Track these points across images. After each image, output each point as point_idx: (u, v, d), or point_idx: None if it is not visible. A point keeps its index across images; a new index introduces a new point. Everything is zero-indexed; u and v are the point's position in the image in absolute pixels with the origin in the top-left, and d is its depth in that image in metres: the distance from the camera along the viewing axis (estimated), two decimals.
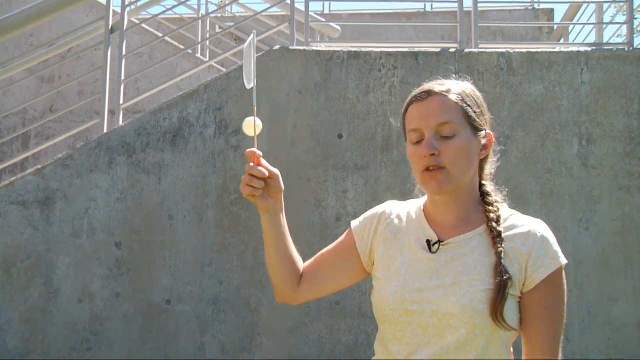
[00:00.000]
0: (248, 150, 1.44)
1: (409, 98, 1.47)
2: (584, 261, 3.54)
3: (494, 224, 1.39)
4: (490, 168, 1.50)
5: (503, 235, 1.38)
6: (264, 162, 1.45)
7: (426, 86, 1.45)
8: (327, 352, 3.51)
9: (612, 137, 3.63)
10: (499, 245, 1.36)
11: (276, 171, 1.47)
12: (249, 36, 1.51)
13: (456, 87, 1.44)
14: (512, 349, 1.41)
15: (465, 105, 1.41)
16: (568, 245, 3.51)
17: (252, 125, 1.47)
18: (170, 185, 3.60)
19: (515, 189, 3.45)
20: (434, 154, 1.37)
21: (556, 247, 1.40)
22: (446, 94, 1.42)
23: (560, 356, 1.37)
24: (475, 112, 1.42)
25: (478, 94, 1.47)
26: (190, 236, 3.57)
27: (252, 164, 1.43)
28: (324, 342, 3.52)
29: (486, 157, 1.48)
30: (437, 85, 1.44)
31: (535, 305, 1.36)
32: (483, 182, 1.48)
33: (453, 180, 1.39)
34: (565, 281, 1.39)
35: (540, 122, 3.64)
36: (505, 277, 1.34)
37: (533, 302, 1.36)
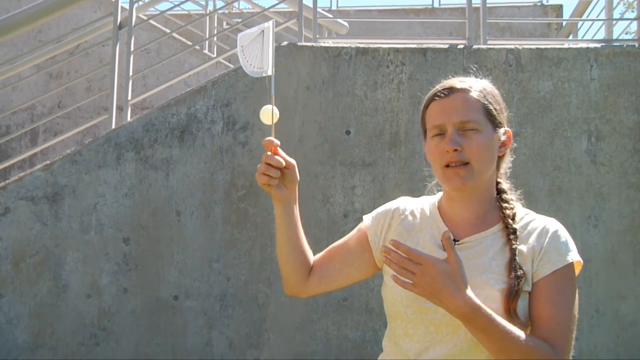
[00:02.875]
0: (266, 139, 1.45)
1: (430, 95, 1.47)
2: (593, 259, 3.53)
3: (510, 221, 1.39)
4: (505, 167, 1.51)
5: (518, 233, 1.38)
6: (280, 151, 1.46)
7: (447, 83, 1.45)
8: (334, 349, 3.52)
9: (621, 134, 3.61)
10: (514, 242, 1.36)
11: (292, 161, 1.48)
12: (264, 23, 1.49)
13: (477, 84, 1.44)
14: None
15: (486, 102, 1.42)
16: (576, 243, 3.42)
17: (269, 113, 1.48)
18: (178, 181, 3.61)
19: (524, 185, 3.41)
20: (456, 150, 1.37)
21: (567, 244, 1.39)
22: (468, 91, 1.42)
23: (570, 347, 1.32)
24: (495, 109, 1.43)
25: (497, 91, 1.47)
26: (198, 232, 3.58)
27: (269, 153, 1.44)
28: (331, 338, 3.52)
29: (503, 155, 1.48)
30: (458, 82, 1.44)
31: (537, 294, 1.35)
32: (499, 180, 1.49)
33: (475, 176, 1.39)
34: (575, 280, 1.38)
35: (549, 118, 3.62)
36: (519, 273, 1.33)
37: (535, 292, 1.35)
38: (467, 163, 1.38)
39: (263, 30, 1.47)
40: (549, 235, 1.39)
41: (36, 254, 3.55)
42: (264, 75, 1.48)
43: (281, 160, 1.44)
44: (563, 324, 1.32)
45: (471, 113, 1.39)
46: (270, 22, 1.48)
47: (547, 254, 1.36)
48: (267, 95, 1.50)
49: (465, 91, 1.42)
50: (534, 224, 1.42)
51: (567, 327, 1.32)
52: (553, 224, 1.42)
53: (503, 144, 1.45)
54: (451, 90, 1.43)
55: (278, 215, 1.51)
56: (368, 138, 3.63)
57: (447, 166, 1.39)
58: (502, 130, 1.44)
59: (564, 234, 1.40)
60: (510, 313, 1.32)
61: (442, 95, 1.43)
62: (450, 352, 1.36)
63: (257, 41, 1.48)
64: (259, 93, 3.62)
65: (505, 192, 1.47)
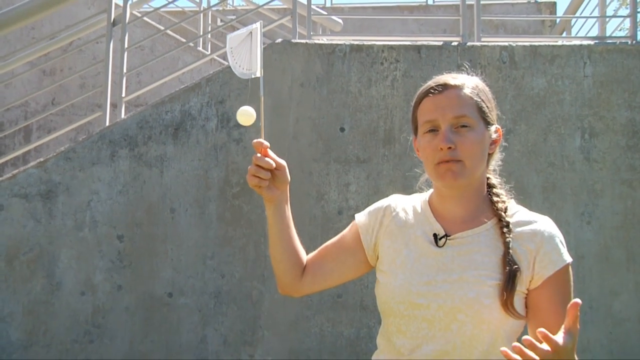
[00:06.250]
0: (255, 140, 1.45)
1: (422, 90, 1.46)
2: (586, 255, 3.54)
3: (503, 214, 1.40)
4: (495, 163, 1.51)
5: (511, 227, 1.39)
6: (270, 153, 1.46)
7: (440, 79, 1.45)
8: (328, 345, 3.52)
9: (614, 131, 3.63)
10: (507, 235, 1.37)
11: (283, 162, 1.48)
12: (252, 25, 1.50)
13: (470, 81, 1.45)
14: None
15: (479, 99, 1.42)
16: (570, 239, 3.51)
17: (245, 114, 1.47)
18: (172, 178, 3.60)
19: (518, 182, 3.44)
20: (450, 147, 1.37)
21: (563, 244, 1.40)
22: (461, 87, 1.42)
23: None
24: (487, 107, 1.43)
25: (488, 89, 1.48)
26: (192, 229, 3.58)
27: (259, 155, 1.44)
28: (326, 335, 3.53)
29: (493, 153, 1.49)
30: (451, 78, 1.45)
31: (544, 302, 1.36)
32: (488, 175, 1.49)
33: (467, 173, 1.39)
34: (572, 278, 1.39)
35: (542, 115, 3.63)
36: (514, 267, 1.34)
37: (541, 299, 1.36)
38: (460, 160, 1.38)
39: (251, 32, 1.47)
40: (545, 235, 1.38)
41: (30, 252, 3.54)
42: (252, 77, 1.48)
43: (271, 161, 1.44)
44: None
45: (465, 108, 1.40)
46: (258, 24, 1.48)
47: (547, 255, 1.36)
48: (259, 94, 1.51)
49: (458, 87, 1.42)
50: (527, 222, 1.41)
51: None
52: (547, 224, 1.41)
53: (494, 142, 1.46)
54: (445, 86, 1.42)
55: (270, 215, 1.51)
56: (362, 135, 3.63)
57: (440, 162, 1.39)
58: (493, 128, 1.45)
59: (559, 234, 1.41)
60: (508, 307, 1.32)
61: (435, 91, 1.43)
62: (442, 349, 1.36)
63: (245, 42, 1.48)
64: (253, 90, 3.61)
65: (496, 186, 1.48)
